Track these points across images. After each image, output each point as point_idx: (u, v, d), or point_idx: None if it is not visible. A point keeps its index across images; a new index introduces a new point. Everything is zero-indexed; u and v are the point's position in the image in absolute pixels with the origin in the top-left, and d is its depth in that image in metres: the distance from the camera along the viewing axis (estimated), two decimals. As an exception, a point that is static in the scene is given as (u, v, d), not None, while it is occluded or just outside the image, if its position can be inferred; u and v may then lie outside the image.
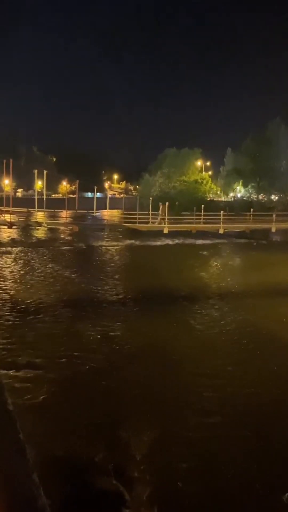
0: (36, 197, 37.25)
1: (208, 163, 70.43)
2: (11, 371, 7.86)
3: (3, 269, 18.65)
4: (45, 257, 22.75)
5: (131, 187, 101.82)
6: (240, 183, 66.56)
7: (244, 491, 5.05)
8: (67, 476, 5.03)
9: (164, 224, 28.27)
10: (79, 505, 4.74)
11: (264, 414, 6.83)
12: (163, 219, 28.85)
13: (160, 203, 31.18)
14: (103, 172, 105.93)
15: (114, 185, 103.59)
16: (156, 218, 30.15)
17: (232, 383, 7.84)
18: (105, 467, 5.23)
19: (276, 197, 59.13)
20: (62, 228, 34.35)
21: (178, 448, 5.80)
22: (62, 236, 33.61)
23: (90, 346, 9.55)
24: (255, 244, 30.95)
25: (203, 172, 66.29)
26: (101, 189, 78.26)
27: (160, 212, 30.05)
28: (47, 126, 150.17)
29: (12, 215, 30.64)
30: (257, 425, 6.49)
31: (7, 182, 48.79)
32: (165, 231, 27.92)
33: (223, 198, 67.13)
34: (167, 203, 28.73)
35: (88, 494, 4.83)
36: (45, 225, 31.94)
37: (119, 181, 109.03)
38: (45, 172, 42.46)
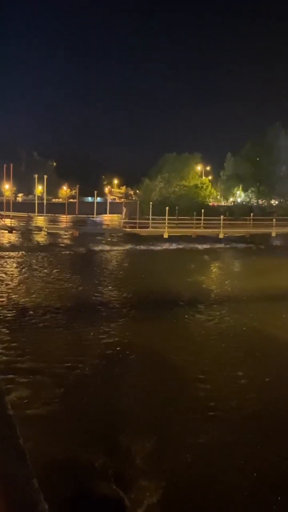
0: (36, 201, 37.19)
1: (208, 168, 70.55)
2: (11, 375, 7.85)
3: (4, 273, 18.65)
4: (45, 261, 22.75)
5: (131, 192, 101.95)
6: (240, 187, 66.70)
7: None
8: (68, 481, 5.02)
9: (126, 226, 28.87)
10: (79, 510, 4.72)
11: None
12: (126, 222, 29.96)
13: (123, 206, 32.14)
14: (103, 176, 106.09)
15: (114, 190, 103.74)
16: (159, 223, 30.36)
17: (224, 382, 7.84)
18: (105, 472, 5.21)
19: (276, 202, 59.21)
20: (62, 232, 34.36)
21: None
22: (62, 240, 33.63)
23: (90, 350, 9.53)
24: (255, 248, 30.93)
25: (203, 177, 66.36)
26: (101, 194, 78.32)
27: (122, 215, 30.79)
28: (47, 131, 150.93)
29: (12, 220, 30.64)
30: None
31: (7, 186, 48.88)
32: (165, 235, 27.91)
33: (222, 203, 67.24)
34: (123, 203, 29.63)
35: (88, 499, 4.81)
36: (46, 229, 31.90)
37: (119, 186, 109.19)
38: (45, 176, 42.36)
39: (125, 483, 5.02)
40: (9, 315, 12.10)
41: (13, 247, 28.26)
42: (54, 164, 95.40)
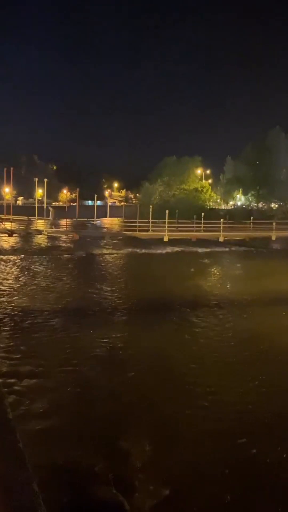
0: (36, 205, 37.36)
1: (208, 171, 70.71)
2: (11, 379, 7.84)
3: (4, 277, 18.65)
4: (45, 265, 22.75)
5: (131, 195, 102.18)
6: (240, 191, 66.88)
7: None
8: (67, 485, 5.00)
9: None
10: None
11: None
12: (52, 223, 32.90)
13: (49, 207, 34.01)
14: (103, 180, 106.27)
15: (114, 193, 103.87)
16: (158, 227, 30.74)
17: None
18: (105, 476, 5.20)
19: (276, 205, 59.32)
20: (62, 236, 34.46)
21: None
22: (62, 244, 33.65)
23: (91, 353, 9.52)
24: (255, 252, 30.94)
25: (203, 180, 66.49)
26: (101, 197, 78.43)
27: (50, 217, 32.62)
28: (47, 135, 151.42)
29: (12, 223, 30.77)
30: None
31: (7, 190, 49.00)
32: (165, 239, 27.99)
33: (223, 206, 67.38)
34: (49, 206, 31.60)
35: (88, 503, 4.79)
36: (46, 233, 32.02)
37: (119, 189, 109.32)
38: (45, 180, 42.65)
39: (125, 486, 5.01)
40: (8, 318, 12.09)
41: (13, 251, 28.26)
42: (55, 167, 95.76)
